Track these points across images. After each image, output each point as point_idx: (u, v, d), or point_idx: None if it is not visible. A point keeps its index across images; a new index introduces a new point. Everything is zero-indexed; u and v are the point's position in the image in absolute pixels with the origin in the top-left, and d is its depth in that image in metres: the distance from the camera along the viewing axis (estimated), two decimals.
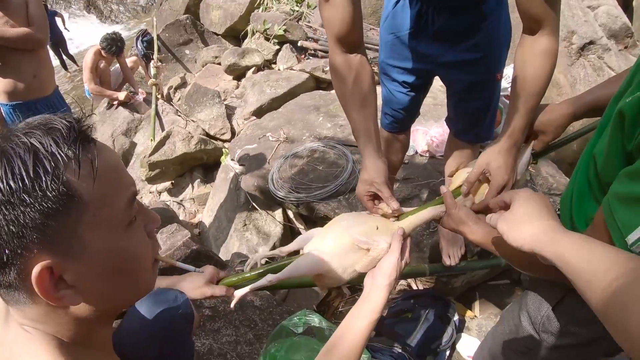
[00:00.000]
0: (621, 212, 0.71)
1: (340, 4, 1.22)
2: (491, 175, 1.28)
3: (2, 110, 2.77)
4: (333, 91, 4.09)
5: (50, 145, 0.59)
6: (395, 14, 1.68)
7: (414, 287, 2.49)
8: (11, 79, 2.69)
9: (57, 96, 2.91)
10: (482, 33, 1.57)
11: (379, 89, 1.64)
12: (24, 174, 0.56)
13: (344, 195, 2.57)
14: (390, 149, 2.13)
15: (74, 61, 8.87)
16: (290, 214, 2.86)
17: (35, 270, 0.58)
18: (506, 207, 0.90)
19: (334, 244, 1.10)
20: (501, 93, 2.09)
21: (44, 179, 0.57)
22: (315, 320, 1.72)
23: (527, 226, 0.80)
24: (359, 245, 1.08)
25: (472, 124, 1.87)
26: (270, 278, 1.08)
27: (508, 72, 2.50)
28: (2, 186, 0.56)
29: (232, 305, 1.15)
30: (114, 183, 0.66)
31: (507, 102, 2.59)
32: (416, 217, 1.22)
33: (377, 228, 1.13)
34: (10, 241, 0.57)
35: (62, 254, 0.60)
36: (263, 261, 1.43)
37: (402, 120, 2.00)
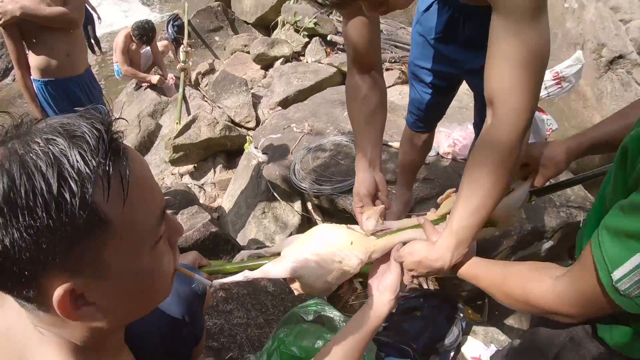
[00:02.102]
0: (610, 245, 0.70)
1: (359, 25, 1.28)
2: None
3: (34, 86, 2.84)
4: None
5: (77, 160, 0.51)
6: (427, 18, 1.70)
7: (425, 287, 2.51)
8: (44, 56, 2.73)
9: (89, 76, 2.95)
10: None
11: (397, 100, 1.62)
12: (46, 194, 0.49)
13: None
14: (413, 148, 2.16)
15: (99, 45, 8.22)
16: (309, 205, 2.87)
17: (57, 293, 0.54)
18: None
19: (309, 253, 1.16)
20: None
21: (69, 201, 0.50)
22: (326, 309, 1.74)
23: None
24: (332, 258, 1.16)
25: None
26: (246, 274, 1.19)
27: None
28: (21, 203, 0.49)
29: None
30: (145, 202, 0.61)
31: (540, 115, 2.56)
32: (394, 237, 1.24)
33: (352, 243, 1.19)
34: (30, 264, 0.52)
35: (84, 275, 0.56)
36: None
37: (427, 120, 2.03)
